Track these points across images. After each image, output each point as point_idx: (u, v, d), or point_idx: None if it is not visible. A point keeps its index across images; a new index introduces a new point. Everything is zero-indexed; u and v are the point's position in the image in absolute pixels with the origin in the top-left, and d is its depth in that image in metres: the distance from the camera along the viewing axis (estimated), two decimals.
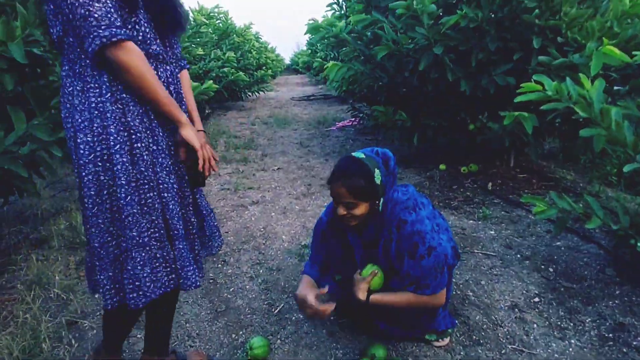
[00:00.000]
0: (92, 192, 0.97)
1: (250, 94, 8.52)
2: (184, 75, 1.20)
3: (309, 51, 12.82)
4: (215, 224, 1.26)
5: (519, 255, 2.06)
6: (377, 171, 1.23)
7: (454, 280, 1.86)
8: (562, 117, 2.85)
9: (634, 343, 1.43)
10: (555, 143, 4.07)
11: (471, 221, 2.51)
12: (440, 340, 1.46)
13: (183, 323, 1.65)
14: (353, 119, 5.20)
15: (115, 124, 0.95)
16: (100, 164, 0.96)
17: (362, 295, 1.25)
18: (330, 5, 4.07)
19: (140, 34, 0.98)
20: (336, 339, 1.52)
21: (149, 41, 1.00)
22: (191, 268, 1.08)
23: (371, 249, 1.35)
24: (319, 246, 1.46)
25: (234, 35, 7.43)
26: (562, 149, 3.85)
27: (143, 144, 0.99)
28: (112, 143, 0.95)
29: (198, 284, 1.10)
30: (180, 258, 1.07)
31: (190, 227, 1.12)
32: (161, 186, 1.02)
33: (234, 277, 1.99)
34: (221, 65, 6.35)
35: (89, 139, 0.95)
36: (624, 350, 1.40)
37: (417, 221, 1.24)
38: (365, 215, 1.26)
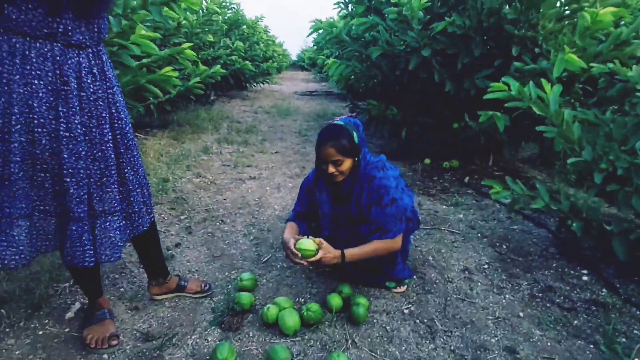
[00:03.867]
0: None
1: (255, 84, 8.80)
2: None
3: (315, 48, 13.09)
4: (144, 199, 1.38)
5: (479, 234, 2.36)
6: (354, 133, 1.53)
7: (418, 247, 2.15)
8: (537, 122, 3.15)
9: (557, 301, 1.73)
10: (536, 149, 4.38)
11: (444, 206, 2.81)
12: (398, 287, 1.76)
13: (185, 262, 1.94)
14: (351, 114, 5.50)
15: (19, 105, 1.07)
16: None
17: (336, 257, 1.48)
18: (337, 3, 4.37)
19: (61, 26, 1.08)
20: (312, 281, 1.82)
21: (70, 32, 1.10)
22: (82, 248, 1.20)
23: (342, 202, 1.64)
24: (303, 199, 1.76)
25: (244, 27, 7.70)
26: (540, 154, 4.16)
27: (45, 130, 1.10)
28: (13, 122, 1.07)
29: (86, 263, 1.21)
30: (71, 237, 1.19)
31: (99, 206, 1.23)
32: (64, 171, 1.14)
33: (229, 233, 2.28)
34: (229, 53, 6.62)
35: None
36: (548, 305, 1.70)
37: (384, 177, 1.54)
38: (349, 170, 1.55)
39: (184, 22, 5.08)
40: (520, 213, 2.62)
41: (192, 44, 3.05)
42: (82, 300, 1.57)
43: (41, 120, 1.10)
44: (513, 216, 2.60)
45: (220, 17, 6.84)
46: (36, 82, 1.09)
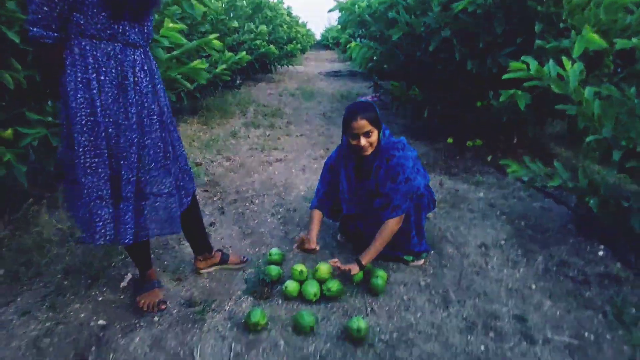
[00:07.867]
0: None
1: (279, 66, 8.88)
2: None
3: (339, 27, 12.93)
4: (182, 184, 1.53)
5: (498, 212, 2.42)
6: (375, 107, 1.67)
7: (437, 225, 2.25)
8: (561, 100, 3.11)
9: (570, 274, 1.80)
10: (565, 125, 4.29)
11: (465, 185, 2.87)
12: (416, 261, 1.88)
13: (219, 240, 2.13)
14: (374, 95, 5.52)
15: (100, 99, 1.26)
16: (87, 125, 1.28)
17: (357, 269, 1.66)
18: None
19: (120, 28, 1.26)
20: (335, 256, 1.97)
21: (127, 33, 1.28)
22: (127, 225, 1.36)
23: (364, 178, 1.77)
24: (326, 176, 1.90)
25: (267, 10, 7.75)
26: (568, 131, 4.08)
27: (111, 120, 1.27)
28: (99, 114, 1.26)
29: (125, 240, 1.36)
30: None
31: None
32: (120, 154, 1.30)
33: (258, 213, 2.45)
34: (254, 37, 6.72)
35: (79, 101, 1.25)
36: (561, 278, 1.78)
37: (402, 157, 1.66)
38: (376, 142, 1.69)
39: (209, 10, 5.21)
40: (541, 190, 2.65)
41: (217, 33, 3.17)
42: (133, 271, 1.79)
43: (107, 111, 1.27)
44: (534, 194, 2.64)
45: (244, 1, 6.93)
46: (102, 77, 1.26)
